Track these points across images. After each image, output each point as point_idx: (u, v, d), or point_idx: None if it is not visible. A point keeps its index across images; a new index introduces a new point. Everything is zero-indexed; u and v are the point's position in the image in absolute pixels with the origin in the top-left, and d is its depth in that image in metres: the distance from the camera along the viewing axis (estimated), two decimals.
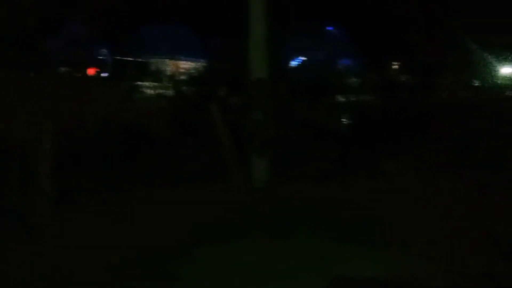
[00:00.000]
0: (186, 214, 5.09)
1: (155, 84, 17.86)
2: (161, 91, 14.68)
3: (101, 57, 24.15)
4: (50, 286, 3.55)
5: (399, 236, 4.30)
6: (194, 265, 3.88)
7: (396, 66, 16.05)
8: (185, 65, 25.98)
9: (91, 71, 19.77)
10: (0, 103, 6.74)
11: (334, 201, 5.42)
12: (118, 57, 23.58)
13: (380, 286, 3.50)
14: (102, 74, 21.86)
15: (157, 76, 21.99)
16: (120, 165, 6.65)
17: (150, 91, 15.39)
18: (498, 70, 14.24)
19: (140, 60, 25.65)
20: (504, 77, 14.05)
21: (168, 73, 24.74)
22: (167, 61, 27.59)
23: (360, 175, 6.33)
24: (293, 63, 8.94)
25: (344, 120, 8.08)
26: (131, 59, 24.67)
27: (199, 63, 21.85)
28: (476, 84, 14.24)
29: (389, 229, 4.48)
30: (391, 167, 6.65)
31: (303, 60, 9.56)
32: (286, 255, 4.00)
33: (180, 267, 3.82)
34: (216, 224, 4.76)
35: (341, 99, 9.60)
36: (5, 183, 5.50)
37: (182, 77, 18.47)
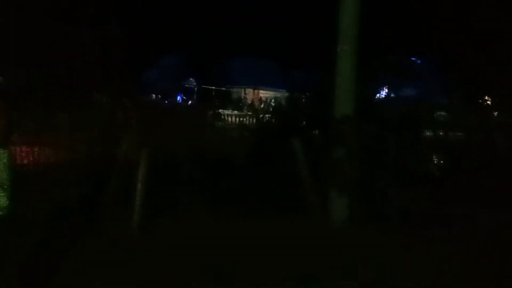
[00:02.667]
0: (260, 250, 4.99)
1: (237, 112, 18.34)
2: (242, 119, 14.99)
3: (188, 86, 25.52)
4: None
5: None
6: None
7: (489, 102, 15.00)
8: (266, 94, 26.51)
9: (178, 99, 20.93)
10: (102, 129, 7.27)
11: (413, 252, 5.03)
12: (203, 86, 24.74)
13: None
14: (189, 102, 23.05)
15: (238, 104, 22.63)
16: (201, 193, 6.78)
17: (232, 119, 15.80)
18: None
19: (223, 89, 26.67)
20: None
21: (249, 101, 25.38)
22: (249, 90, 28.36)
23: (446, 224, 5.82)
24: (381, 97, 8.65)
25: (436, 159, 7.58)
26: (215, 87, 25.74)
27: (280, 93, 22.16)
28: None
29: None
30: (480, 219, 6.05)
31: (392, 95, 9.23)
32: None
33: None
34: (290, 264, 4.61)
35: (431, 136, 9.07)
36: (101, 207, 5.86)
37: (263, 106, 18.79)
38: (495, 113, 13.59)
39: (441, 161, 7.59)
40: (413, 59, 14.55)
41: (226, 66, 27.44)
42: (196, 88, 25.52)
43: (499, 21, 12.53)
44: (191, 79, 25.59)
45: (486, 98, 15.19)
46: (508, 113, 13.20)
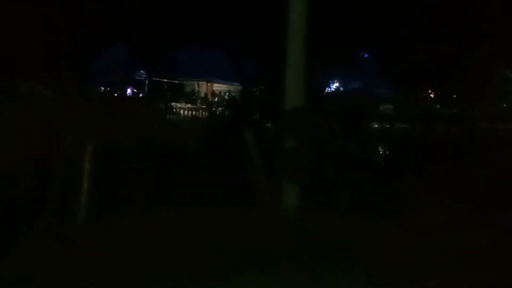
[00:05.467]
0: (212, 238, 5.06)
1: (190, 105, 18.22)
2: (195, 112, 14.94)
3: (138, 78, 24.94)
4: None
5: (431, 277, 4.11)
6: None
7: (432, 95, 15.79)
8: (219, 87, 26.44)
9: (128, 91, 20.40)
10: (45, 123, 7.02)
11: (364, 237, 5.25)
12: (155, 79, 24.27)
13: None
14: (140, 94, 22.51)
15: (191, 97, 22.44)
16: (153, 185, 6.75)
17: (185, 112, 15.69)
18: None
19: (175, 81, 26.30)
20: None
21: (202, 94, 25.21)
22: (202, 83, 28.16)
23: (393, 209, 6.14)
24: (330, 90, 8.92)
25: (380, 149, 7.95)
26: (167, 80, 25.35)
27: (234, 86, 22.18)
28: None
29: (423, 271, 4.29)
30: (425, 202, 6.44)
31: (340, 88, 9.54)
32: None
33: None
34: (242, 251, 4.70)
35: (376, 127, 9.47)
36: (45, 201, 5.69)
37: (216, 99, 18.77)
38: (437, 105, 14.36)
39: (386, 151, 7.97)
40: (361, 53, 15.09)
41: (179, 58, 27.03)
42: (147, 81, 25.00)
43: (442, 16, 13.21)
44: (141, 71, 25.04)
45: (429, 91, 16.00)
46: (449, 104, 13.98)
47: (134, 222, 5.66)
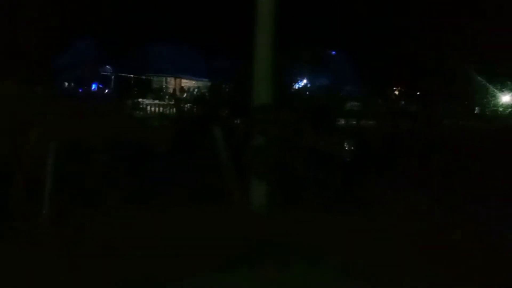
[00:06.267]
0: (182, 237, 5.01)
1: (158, 101, 17.94)
2: (163, 109, 14.73)
3: (104, 73, 24.36)
4: None
5: (402, 274, 4.21)
6: None
7: (397, 92, 16.16)
8: (188, 83, 26.16)
9: (94, 87, 19.90)
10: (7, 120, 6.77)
11: (332, 232, 5.31)
12: (121, 74, 23.77)
13: None
14: (106, 91, 22.00)
15: (159, 93, 22.11)
16: (120, 183, 6.62)
17: (153, 109, 15.44)
18: (499, 99, 14.34)
19: (143, 77, 25.85)
20: (506, 106, 14.13)
21: (171, 91, 24.89)
22: (170, 79, 27.80)
23: (360, 205, 6.25)
24: (298, 87, 8.97)
25: (347, 145, 8.06)
26: (134, 76, 24.88)
27: (203, 82, 22.00)
28: (477, 113, 14.30)
29: (389, 264, 4.38)
30: (391, 197, 6.58)
31: (308, 85, 9.62)
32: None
33: None
34: (212, 249, 4.67)
35: (343, 124, 9.59)
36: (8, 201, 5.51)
37: (185, 95, 18.57)
38: (402, 103, 14.70)
39: (353, 148, 8.08)
40: (328, 50, 15.24)
41: (147, 54, 26.55)
42: (113, 76, 24.44)
43: (408, 15, 13.51)
44: (107, 66, 24.45)
45: (395, 88, 16.37)
46: (415, 102, 14.34)
47: (100, 221, 5.54)
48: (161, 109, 15.03)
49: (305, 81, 10.15)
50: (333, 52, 15.56)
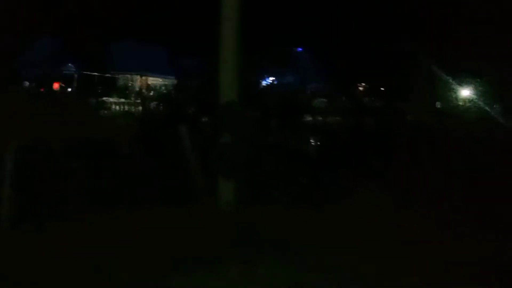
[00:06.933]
0: (150, 239, 4.94)
1: (123, 100, 17.59)
2: (129, 107, 14.46)
3: (67, 72, 23.66)
4: None
5: (367, 265, 4.29)
6: None
7: (361, 88, 16.47)
8: (155, 81, 25.78)
9: (56, 86, 19.28)
10: None
11: (300, 227, 5.37)
12: (85, 72, 23.15)
13: None
14: (68, 89, 21.36)
15: (125, 92, 21.68)
16: (84, 185, 6.45)
17: (118, 107, 15.14)
18: (458, 94, 14.84)
19: (108, 75, 25.27)
20: (464, 100, 14.63)
21: (137, 89, 24.46)
22: (136, 77, 27.30)
23: (327, 200, 6.34)
24: (264, 84, 8.97)
25: (314, 142, 8.14)
26: (98, 74, 24.29)
27: (169, 80, 21.72)
28: (439, 107, 14.76)
29: (355, 257, 4.46)
30: (358, 191, 6.71)
31: (274, 82, 9.64)
32: (253, 284, 3.92)
33: None
34: (180, 250, 4.63)
35: (310, 120, 9.70)
36: None
37: (151, 93, 18.27)
38: (367, 99, 15.01)
39: (320, 144, 8.18)
40: (296, 49, 15.32)
41: (112, 52, 25.95)
42: (76, 75, 23.77)
43: (371, 13, 13.77)
44: (70, 65, 23.75)
45: (361, 85, 16.68)
46: (378, 98, 14.66)
47: (62, 225, 5.37)
48: (126, 108, 14.76)
49: (272, 78, 10.16)
50: (300, 50, 15.64)
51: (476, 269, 4.17)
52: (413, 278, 4.01)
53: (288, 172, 6.62)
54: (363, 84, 15.57)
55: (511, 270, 4.20)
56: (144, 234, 5.11)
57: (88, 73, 23.53)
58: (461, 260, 4.36)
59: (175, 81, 15.15)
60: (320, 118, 10.04)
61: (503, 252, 4.57)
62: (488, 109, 12.16)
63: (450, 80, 14.16)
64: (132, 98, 18.43)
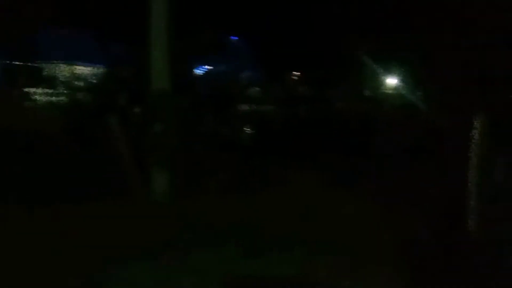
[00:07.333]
0: (82, 234, 4.77)
1: (49, 91, 16.65)
2: (55, 98, 13.74)
3: None
4: None
5: (300, 246, 4.46)
6: None
7: (295, 77, 16.82)
8: (83, 70, 24.59)
9: None
10: None
11: (234, 215, 5.43)
12: (6, 62, 21.56)
13: None
14: None
15: (51, 82, 20.49)
16: (10, 180, 6.08)
17: (43, 98, 14.35)
18: (385, 82, 15.59)
19: (32, 65, 23.73)
20: (391, 87, 15.38)
21: (64, 79, 23.21)
22: (62, 66, 25.89)
23: (261, 187, 6.46)
24: (197, 73, 8.87)
25: (248, 130, 8.23)
26: (21, 63, 22.72)
27: (98, 69, 20.81)
28: (368, 95, 15.42)
29: (290, 241, 4.62)
30: (290, 177, 6.90)
31: (207, 70, 9.57)
32: (188, 273, 3.94)
33: None
34: (114, 244, 4.52)
35: (244, 109, 9.76)
36: None
37: (79, 83, 17.44)
38: (300, 88, 15.36)
39: (252, 131, 8.28)
40: (230, 37, 15.28)
41: (36, 40, 24.33)
42: None
43: (303, 1, 14.02)
44: None
45: (293, 73, 17.02)
46: (310, 86, 15.04)
47: None
48: (53, 98, 14.03)
49: (206, 67, 10.08)
50: (235, 38, 15.61)
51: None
52: (341, 256, 4.24)
53: (222, 160, 6.65)
54: (297, 73, 15.91)
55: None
56: (76, 228, 4.93)
57: (10, 62, 21.97)
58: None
59: (105, 70, 14.55)
60: (254, 107, 10.15)
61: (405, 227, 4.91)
62: (411, 96, 12.90)
63: (378, 69, 14.83)
64: (60, 88, 17.50)
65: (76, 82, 17.94)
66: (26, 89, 15.57)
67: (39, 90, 16.85)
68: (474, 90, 4.67)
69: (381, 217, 5.31)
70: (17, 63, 23.24)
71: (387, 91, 14.66)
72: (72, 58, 25.97)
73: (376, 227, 4.96)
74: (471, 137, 3.88)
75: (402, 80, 14.02)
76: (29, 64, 24.14)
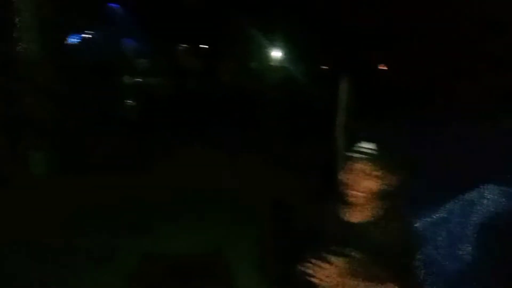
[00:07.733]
0: None
1: None
2: None
3: None
4: None
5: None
6: None
7: (183, 49, 16.38)
8: None
9: None
10: None
11: (116, 193, 5.26)
12: None
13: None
14: None
15: None
16: None
17: None
18: (272, 56, 15.92)
19: None
20: (276, 61, 15.74)
21: None
22: None
23: (145, 162, 6.28)
24: (72, 41, 8.14)
25: (130, 104, 7.88)
26: None
27: None
28: (254, 68, 15.66)
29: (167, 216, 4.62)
30: (174, 152, 6.80)
31: (84, 39, 8.86)
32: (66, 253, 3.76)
33: None
34: None
35: (127, 82, 9.32)
36: None
37: None
38: (188, 60, 15.04)
39: (137, 105, 7.97)
40: (111, 3, 14.26)
41: None
42: None
43: None
44: None
45: (180, 45, 16.56)
46: (199, 59, 14.81)
47: None
48: None
49: (84, 35, 9.31)
50: (117, 6, 14.59)
51: None
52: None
53: (105, 137, 6.31)
54: (184, 45, 15.53)
55: None
56: None
57: None
58: None
59: None
60: (141, 80, 9.72)
61: None
62: (296, 72, 13.43)
63: (265, 43, 15.09)
64: None
65: None
66: None
67: None
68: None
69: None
70: None
71: (273, 65, 15.07)
72: None
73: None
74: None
75: (289, 55, 14.53)
76: None
